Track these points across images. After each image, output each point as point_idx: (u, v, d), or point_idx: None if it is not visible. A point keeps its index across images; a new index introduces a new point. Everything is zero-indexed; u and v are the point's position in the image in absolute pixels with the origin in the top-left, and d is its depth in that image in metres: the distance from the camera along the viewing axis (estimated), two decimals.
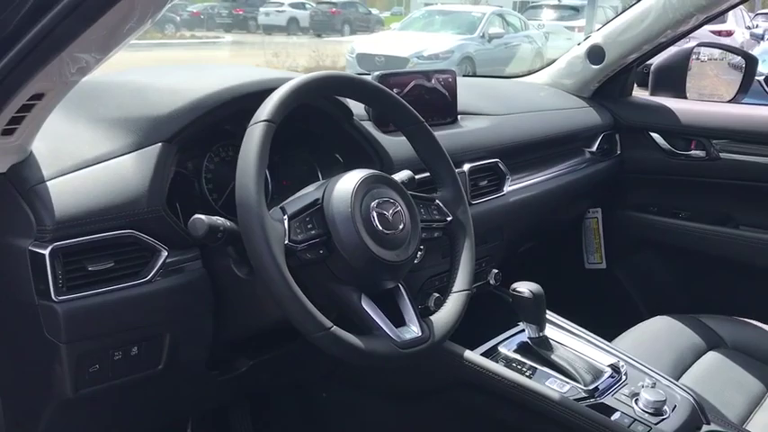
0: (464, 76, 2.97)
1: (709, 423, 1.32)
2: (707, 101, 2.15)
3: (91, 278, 0.98)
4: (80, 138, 1.09)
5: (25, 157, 0.99)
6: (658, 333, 1.68)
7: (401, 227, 1.07)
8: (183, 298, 1.07)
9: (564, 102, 2.10)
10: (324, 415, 1.67)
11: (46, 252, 0.94)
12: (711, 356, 1.61)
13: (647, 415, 1.27)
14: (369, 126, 1.36)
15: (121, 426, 1.22)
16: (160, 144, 1.08)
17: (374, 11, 20.97)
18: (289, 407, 1.70)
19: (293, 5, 18.44)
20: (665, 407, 1.29)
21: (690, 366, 1.56)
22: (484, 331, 1.45)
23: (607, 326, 1.61)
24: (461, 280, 1.17)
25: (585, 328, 1.52)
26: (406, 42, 10.97)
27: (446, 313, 1.13)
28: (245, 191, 0.95)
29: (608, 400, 1.31)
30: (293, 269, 0.96)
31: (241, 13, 18.52)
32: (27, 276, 0.95)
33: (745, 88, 2.12)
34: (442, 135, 1.34)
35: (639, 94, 2.27)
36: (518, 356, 1.40)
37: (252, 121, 1.00)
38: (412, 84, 1.55)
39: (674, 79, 2.14)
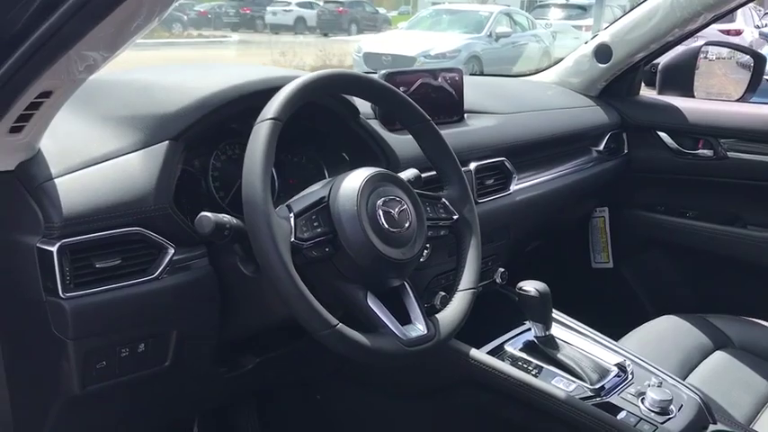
0: (471, 75, 2.97)
1: (715, 423, 1.32)
2: (715, 100, 2.14)
3: (98, 275, 0.99)
4: (88, 135, 1.09)
5: (33, 154, 0.99)
6: (665, 332, 1.67)
7: (407, 225, 1.07)
8: (190, 295, 1.07)
9: (571, 100, 2.10)
10: (329, 413, 1.67)
11: (54, 249, 0.94)
12: (718, 356, 1.60)
13: (653, 414, 1.27)
14: (375, 124, 1.37)
15: (128, 423, 1.22)
16: (167, 142, 1.09)
17: (381, 10, 20.98)
18: (295, 405, 1.70)
19: (300, 5, 18.48)
20: (672, 406, 1.28)
21: (697, 366, 1.56)
22: (490, 330, 1.45)
23: (614, 325, 1.61)
24: (467, 278, 1.17)
25: (592, 328, 1.52)
26: (413, 41, 10.98)
27: (452, 311, 1.12)
28: (251, 189, 0.95)
29: (614, 399, 1.31)
30: (299, 267, 0.96)
31: (248, 12, 18.57)
32: (35, 273, 0.96)
33: (754, 87, 2.11)
34: (449, 133, 1.34)
35: (647, 94, 2.26)
36: (524, 355, 1.40)
37: (258, 120, 1.01)
38: (418, 82, 1.55)
39: (681, 78, 2.13)
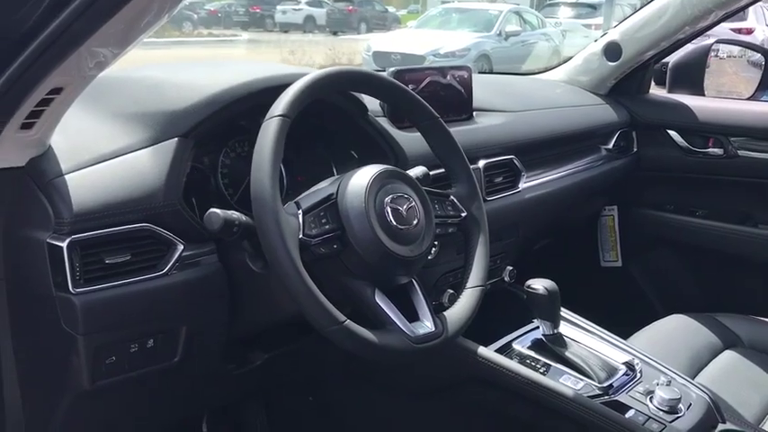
0: (480, 73, 2.96)
1: (724, 422, 1.31)
2: (725, 98, 2.13)
3: (108, 271, 0.99)
4: (98, 132, 1.10)
5: (44, 150, 1.00)
6: (674, 331, 1.66)
7: (415, 222, 1.07)
8: (199, 291, 1.08)
9: (580, 99, 2.09)
10: (337, 410, 1.67)
11: (64, 245, 0.95)
12: (728, 355, 1.59)
13: (661, 413, 1.27)
14: (383, 122, 1.37)
15: (137, 418, 1.23)
16: (176, 139, 1.09)
17: (391, 9, 21.00)
18: (302, 402, 1.70)
19: (310, 3, 18.52)
20: (680, 405, 1.28)
21: (706, 365, 1.55)
22: (498, 328, 1.45)
23: (622, 324, 1.60)
24: (476, 276, 1.17)
25: (600, 326, 1.51)
26: (422, 40, 10.96)
27: (460, 309, 1.13)
28: (260, 185, 0.96)
29: (622, 397, 1.30)
30: (307, 264, 0.96)
31: (258, 11, 18.61)
32: (45, 269, 0.97)
33: (765, 86, 2.10)
34: (457, 131, 1.34)
35: (657, 92, 2.26)
36: (532, 353, 1.40)
37: (267, 116, 1.01)
38: (427, 80, 1.55)
39: (691, 76, 2.13)
